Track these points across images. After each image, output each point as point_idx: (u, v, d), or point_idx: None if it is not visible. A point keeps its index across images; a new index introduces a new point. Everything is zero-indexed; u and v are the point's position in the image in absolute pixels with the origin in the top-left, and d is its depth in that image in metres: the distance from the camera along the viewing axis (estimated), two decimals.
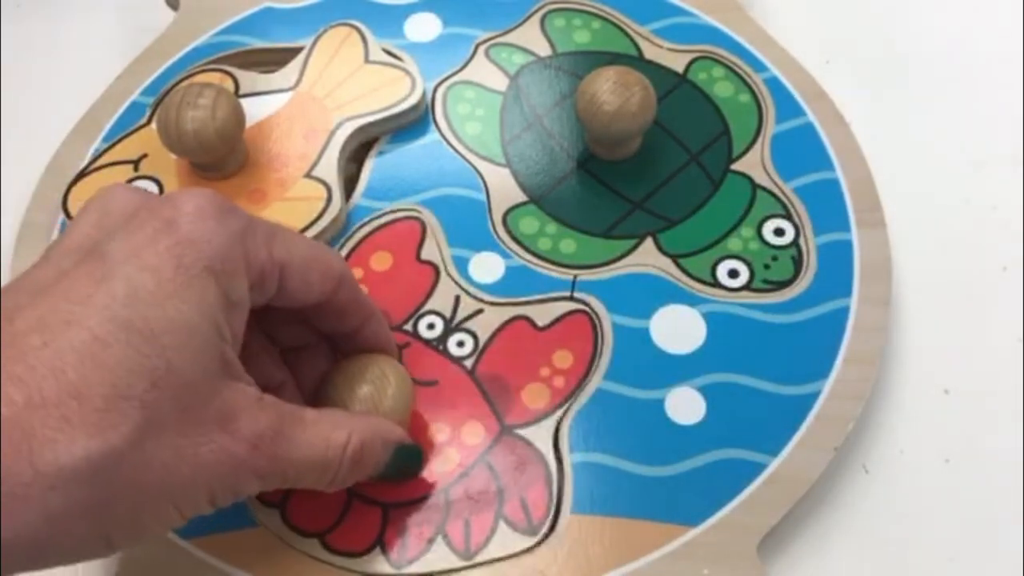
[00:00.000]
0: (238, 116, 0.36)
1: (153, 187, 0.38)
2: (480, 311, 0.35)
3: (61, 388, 0.22)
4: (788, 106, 0.39)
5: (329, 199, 0.37)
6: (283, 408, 0.26)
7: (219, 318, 0.25)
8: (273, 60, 0.42)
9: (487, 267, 0.36)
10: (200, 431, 0.24)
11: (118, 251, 0.24)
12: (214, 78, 0.41)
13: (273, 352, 0.31)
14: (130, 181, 0.38)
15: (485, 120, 0.40)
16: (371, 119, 0.39)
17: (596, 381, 0.33)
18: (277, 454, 0.26)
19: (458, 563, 0.30)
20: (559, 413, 0.33)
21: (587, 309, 0.35)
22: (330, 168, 0.38)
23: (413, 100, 0.40)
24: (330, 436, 0.27)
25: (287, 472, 0.26)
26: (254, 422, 0.25)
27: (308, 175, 0.38)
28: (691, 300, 0.35)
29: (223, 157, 0.37)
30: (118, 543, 0.24)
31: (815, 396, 0.33)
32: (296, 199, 0.38)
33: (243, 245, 0.26)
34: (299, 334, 0.31)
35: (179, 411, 0.23)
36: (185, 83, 0.39)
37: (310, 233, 0.36)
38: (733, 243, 0.36)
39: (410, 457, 0.31)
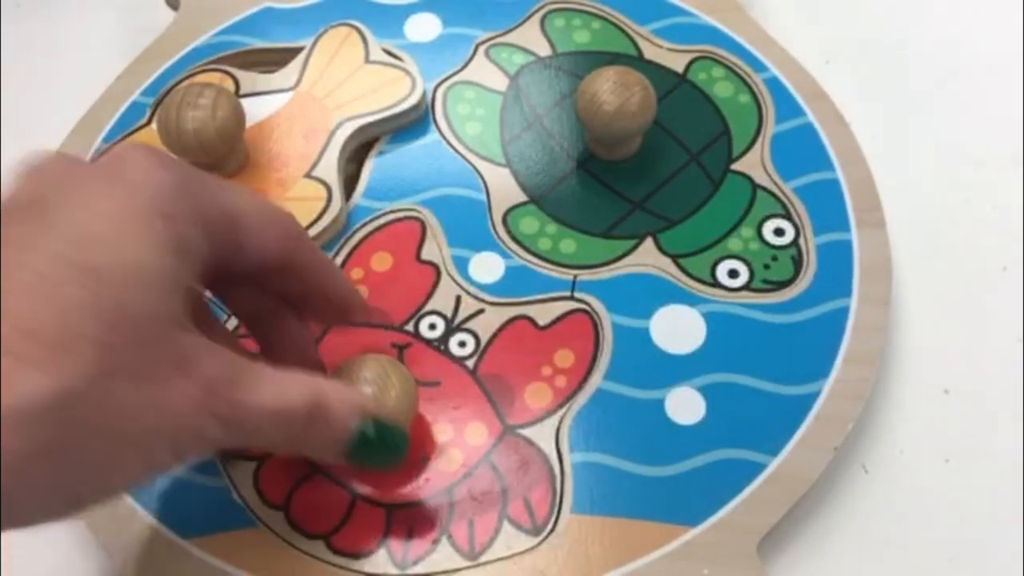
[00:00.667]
0: (238, 116, 0.36)
1: None
2: (481, 311, 0.35)
3: (10, 327, 0.21)
4: (788, 106, 0.39)
5: (329, 199, 0.37)
6: (236, 357, 0.25)
7: (170, 262, 0.24)
8: (273, 60, 0.42)
9: (487, 267, 0.36)
10: (158, 374, 0.23)
11: (63, 199, 0.23)
12: (214, 78, 0.41)
13: (236, 343, 0.30)
14: None
15: (485, 120, 0.40)
16: (371, 119, 0.39)
17: (596, 381, 0.34)
18: (235, 398, 0.25)
19: (462, 563, 0.30)
20: (561, 412, 0.33)
21: (588, 308, 0.35)
22: (330, 168, 0.38)
23: (413, 100, 0.40)
24: (288, 388, 0.26)
25: (246, 421, 0.25)
26: (209, 366, 0.24)
27: (308, 175, 0.38)
28: (691, 300, 0.35)
29: (223, 157, 0.37)
30: (86, 498, 0.23)
31: (815, 396, 0.33)
32: (296, 199, 0.38)
33: (189, 190, 0.25)
34: (254, 298, 0.30)
35: (135, 352, 0.23)
36: (185, 83, 0.39)
37: (310, 233, 0.36)
38: (733, 243, 0.36)
39: (384, 433, 0.28)
